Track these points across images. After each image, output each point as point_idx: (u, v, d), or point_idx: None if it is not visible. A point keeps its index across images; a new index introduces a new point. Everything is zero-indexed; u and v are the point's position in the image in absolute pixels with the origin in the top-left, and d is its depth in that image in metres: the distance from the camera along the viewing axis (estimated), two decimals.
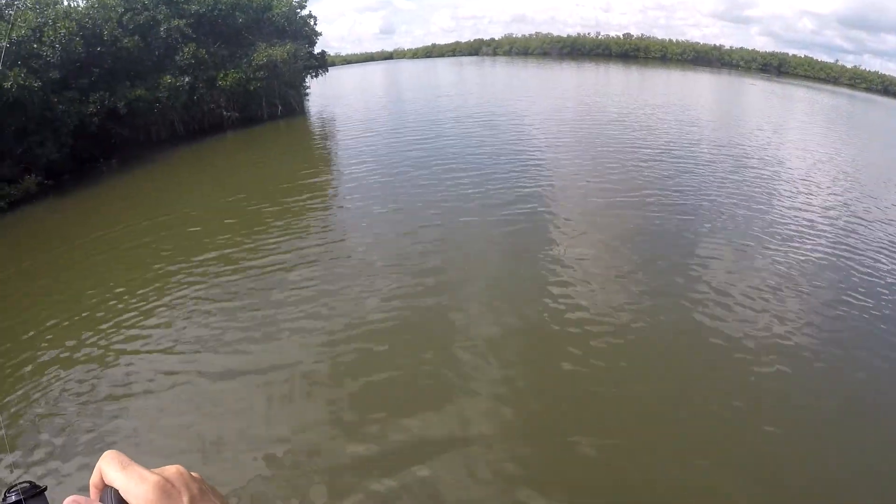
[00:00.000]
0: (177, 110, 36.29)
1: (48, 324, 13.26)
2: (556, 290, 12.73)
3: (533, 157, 24.53)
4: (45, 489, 0.99)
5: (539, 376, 9.85)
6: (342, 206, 20.41)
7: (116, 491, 0.84)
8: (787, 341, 10.92)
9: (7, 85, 24.01)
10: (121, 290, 14.57)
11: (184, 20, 36.10)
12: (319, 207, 20.33)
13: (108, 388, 10.46)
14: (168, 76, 34.83)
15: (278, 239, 16.92)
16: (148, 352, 11.61)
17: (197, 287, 14.33)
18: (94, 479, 0.88)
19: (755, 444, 8.19)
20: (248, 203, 21.07)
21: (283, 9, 43.71)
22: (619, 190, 19.83)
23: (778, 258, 14.65)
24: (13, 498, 0.96)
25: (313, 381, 10.06)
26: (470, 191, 20.00)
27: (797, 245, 15.62)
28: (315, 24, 48.40)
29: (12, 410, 10.10)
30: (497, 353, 10.40)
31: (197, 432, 9.03)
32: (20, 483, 0.98)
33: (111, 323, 12.94)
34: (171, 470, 0.87)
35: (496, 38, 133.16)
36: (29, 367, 11.57)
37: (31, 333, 12.98)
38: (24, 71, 24.83)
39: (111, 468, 0.85)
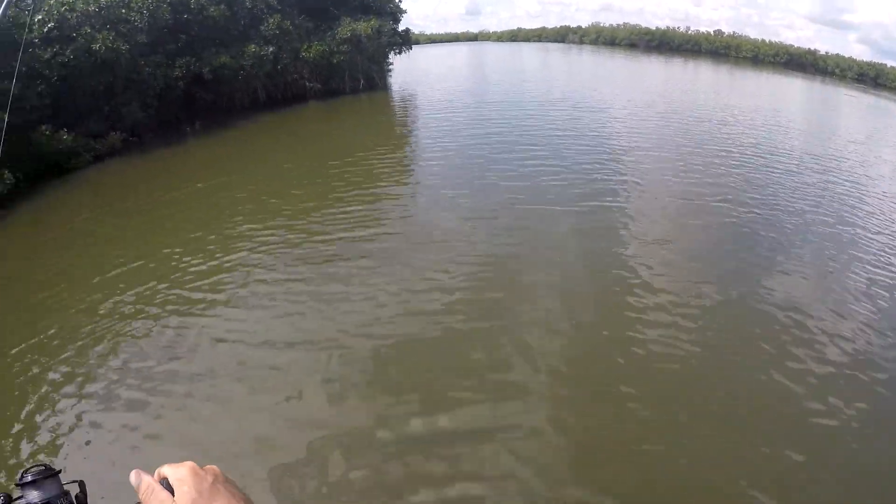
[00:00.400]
0: (260, 79, 37.28)
1: (111, 273, 13.89)
2: (625, 292, 11.78)
3: (614, 150, 22.97)
4: (60, 472, 1.08)
5: (598, 379, 9.21)
6: (415, 183, 20.19)
7: (166, 478, 1.07)
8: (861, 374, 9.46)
9: (96, 47, 25.09)
10: (185, 247, 15.02)
11: None
12: (393, 182, 20.06)
13: (158, 349, 10.54)
14: (253, 45, 35.74)
15: (348, 211, 16.72)
16: (200, 314, 11.70)
17: (259, 253, 14.39)
18: (154, 477, 1.10)
19: None
20: (322, 173, 21.35)
21: None
22: (701, 193, 18.08)
23: (871, 286, 12.70)
24: (29, 478, 1.04)
25: (363, 359, 9.73)
26: (547, 179, 18.97)
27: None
28: (400, 1, 48.26)
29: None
30: (557, 353, 9.70)
31: (241, 402, 8.97)
32: (35, 465, 1.06)
33: (170, 279, 13.29)
34: (191, 462, 1.12)
35: (583, 27, 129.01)
36: (84, 308, 12.19)
37: (97, 279, 13.72)
38: (113, 34, 25.83)
39: (164, 466, 1.11)
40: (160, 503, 1.04)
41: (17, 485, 1.07)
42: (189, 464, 1.09)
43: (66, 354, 10.66)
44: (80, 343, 11.01)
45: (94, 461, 7.96)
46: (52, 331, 11.48)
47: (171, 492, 1.06)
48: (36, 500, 1.03)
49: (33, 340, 11.26)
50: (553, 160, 21.04)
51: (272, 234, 15.37)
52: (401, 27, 50.63)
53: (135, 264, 14.26)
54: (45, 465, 1.07)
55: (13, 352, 10.95)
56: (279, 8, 37.72)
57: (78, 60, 25.18)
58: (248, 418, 8.51)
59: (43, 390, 9.71)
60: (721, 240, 14.81)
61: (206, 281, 13.05)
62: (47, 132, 23.54)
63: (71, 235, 17.71)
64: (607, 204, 16.81)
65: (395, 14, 48.60)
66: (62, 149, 23.93)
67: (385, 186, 19.25)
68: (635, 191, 18.07)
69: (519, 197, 17.29)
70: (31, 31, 24.48)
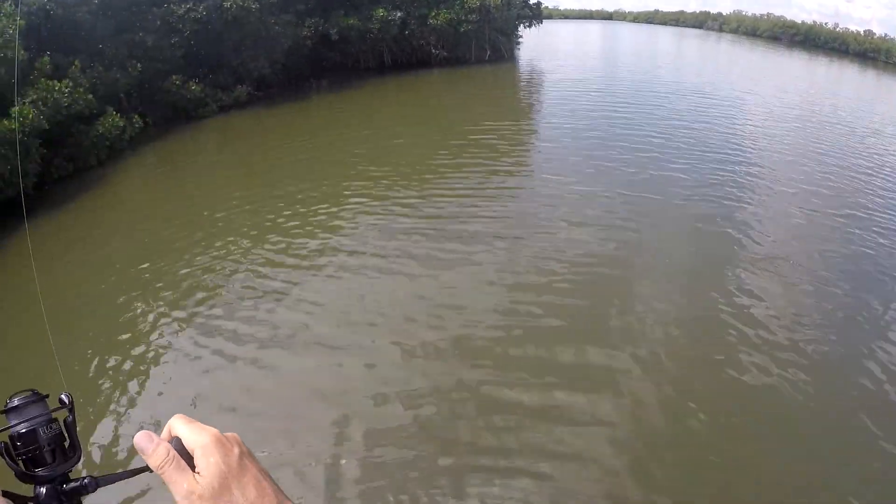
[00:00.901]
0: (387, 42, 36.97)
1: (219, 214, 14.32)
2: (728, 311, 9.74)
3: (744, 150, 19.19)
4: (47, 396, 1.01)
5: (701, 384, 8.09)
6: (533, 161, 18.58)
7: (179, 440, 0.92)
8: None
9: (227, 5, 25.20)
10: (298, 196, 15.01)
11: None
12: (510, 155, 18.57)
13: (235, 300, 10.30)
14: (381, 9, 35.16)
15: (457, 186, 15.45)
16: (296, 265, 11.47)
17: (369, 209, 13.96)
18: (163, 435, 0.94)
19: None
20: (438, 142, 20.18)
21: None
22: (836, 214, 14.12)
23: None
24: (16, 402, 0.98)
25: (464, 335, 9.05)
26: (667, 173, 16.31)
27: None
28: None
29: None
30: (645, 361, 8.48)
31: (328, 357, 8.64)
32: (22, 390, 1.00)
33: (268, 227, 13.27)
34: (214, 430, 0.94)
35: (724, 14, 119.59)
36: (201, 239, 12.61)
37: (205, 213, 14.45)
38: None
39: (178, 423, 0.94)
40: (182, 479, 0.88)
41: (2, 411, 0.98)
42: (212, 431, 0.93)
43: (146, 288, 10.84)
44: (167, 279, 11.15)
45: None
46: (145, 265, 11.79)
47: (188, 458, 0.91)
48: (22, 428, 0.95)
49: (131, 270, 11.65)
50: (676, 154, 18.14)
51: (377, 203, 14.42)
52: (532, 0, 48.76)
53: (245, 207, 14.69)
54: (31, 390, 0.99)
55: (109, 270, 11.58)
56: None
57: (210, 17, 25.57)
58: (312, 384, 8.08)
59: (120, 317, 9.91)
60: (850, 273, 11.34)
61: (312, 232, 12.86)
62: (178, 82, 24.02)
63: (192, 173, 18.83)
64: (728, 208, 14.02)
65: None
66: (191, 98, 24.57)
67: (499, 164, 17.50)
68: (761, 198, 14.91)
69: (635, 189, 15.01)
70: None
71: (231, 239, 12.61)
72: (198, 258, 11.82)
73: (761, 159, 18.00)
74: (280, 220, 13.54)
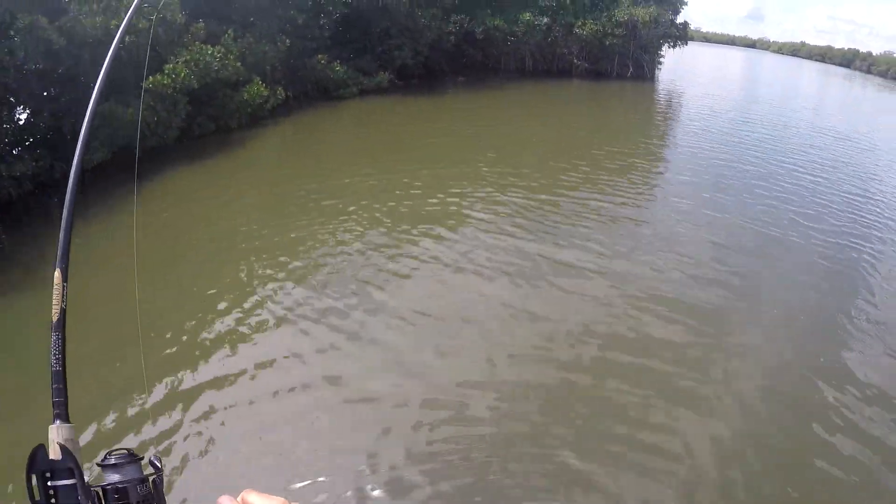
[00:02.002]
0: (530, 47, 35.77)
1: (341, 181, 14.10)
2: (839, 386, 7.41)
3: (883, 207, 15.64)
4: (142, 458, 1.07)
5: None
6: (658, 181, 16.58)
7: None
8: None
9: None
10: (415, 189, 13.92)
11: None
12: (636, 172, 16.74)
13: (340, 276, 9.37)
14: (528, 13, 34.23)
15: (578, 198, 13.86)
16: (386, 251, 10.47)
17: (479, 214, 12.55)
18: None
19: None
20: (567, 152, 18.63)
21: None
22: None
23: None
24: (113, 461, 1.04)
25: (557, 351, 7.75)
26: (793, 214, 13.81)
27: None
28: None
29: None
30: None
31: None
32: (118, 449, 1.06)
33: (387, 206, 12.54)
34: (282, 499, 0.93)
35: (873, 54, 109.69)
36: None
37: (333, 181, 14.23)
38: None
39: (250, 494, 0.92)
40: None
41: (98, 465, 1.06)
42: (281, 500, 0.91)
43: (260, 253, 10.17)
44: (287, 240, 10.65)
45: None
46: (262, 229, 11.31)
47: None
48: (118, 484, 1.03)
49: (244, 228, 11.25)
50: (808, 197, 15.42)
51: (495, 204, 13.04)
52: (679, 19, 46.43)
53: (366, 181, 14.25)
54: (127, 450, 1.06)
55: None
56: None
57: (360, 2, 25.30)
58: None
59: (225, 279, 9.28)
60: None
61: (410, 227, 11.63)
62: (322, 61, 23.84)
63: (324, 146, 18.26)
64: (853, 266, 11.36)
65: (676, 5, 44.39)
66: (334, 78, 24.30)
67: (628, 175, 16.00)
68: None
69: (758, 227, 12.81)
70: None
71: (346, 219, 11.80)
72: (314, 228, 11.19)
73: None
74: (390, 203, 12.64)
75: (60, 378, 1.12)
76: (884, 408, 6.98)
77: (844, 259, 11.53)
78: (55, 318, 1.14)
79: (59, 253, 1.20)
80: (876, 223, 13.83)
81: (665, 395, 6.85)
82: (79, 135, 1.36)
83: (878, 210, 14.98)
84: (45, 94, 14.42)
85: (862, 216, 14.22)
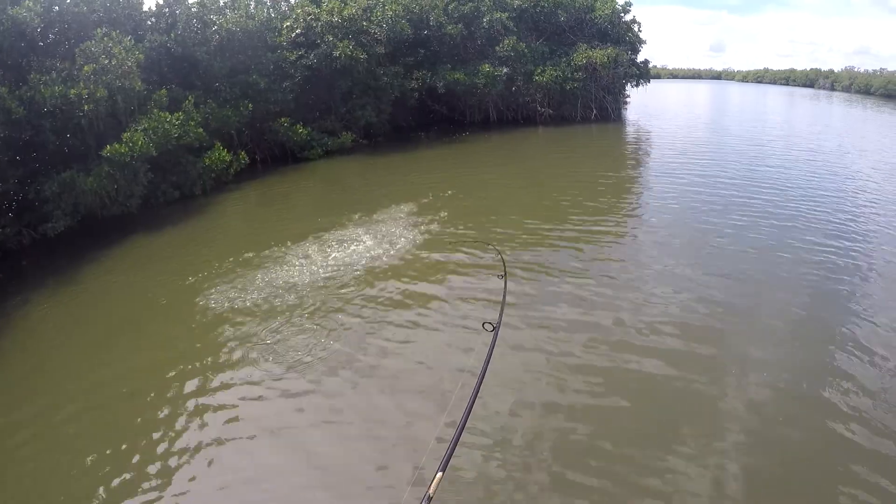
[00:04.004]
0: (493, 98, 36.36)
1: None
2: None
3: (864, 231, 14.33)
4: None
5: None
6: (635, 226, 15.14)
7: None
8: None
9: (336, 54, 25.57)
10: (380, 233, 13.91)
11: (506, 13, 36.44)
12: (609, 217, 15.58)
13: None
14: (487, 65, 35.01)
15: (555, 244, 13.13)
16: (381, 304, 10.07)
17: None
18: None
19: None
20: (538, 199, 18.23)
21: (606, 11, 41.23)
22: None
23: None
24: None
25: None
26: (780, 254, 12.41)
27: None
28: (639, 30, 44.75)
29: None
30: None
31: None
32: None
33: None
34: None
35: (835, 71, 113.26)
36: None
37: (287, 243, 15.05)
38: (353, 44, 26.39)
39: None
40: None
41: None
42: None
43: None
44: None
45: None
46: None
47: None
48: None
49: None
50: (793, 232, 13.97)
51: (469, 250, 12.64)
52: (640, 58, 47.32)
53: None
54: None
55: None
56: (515, 30, 36.90)
57: (320, 64, 25.96)
58: None
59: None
60: None
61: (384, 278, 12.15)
62: (285, 123, 24.18)
63: (282, 207, 18.33)
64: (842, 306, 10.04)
65: (634, 44, 44.88)
66: (297, 140, 24.53)
67: (602, 223, 14.96)
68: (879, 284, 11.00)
69: (742, 274, 11.42)
70: (279, 34, 25.80)
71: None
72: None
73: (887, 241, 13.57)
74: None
75: None
76: None
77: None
78: None
79: None
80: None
81: None
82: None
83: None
84: (8, 161, 14.50)
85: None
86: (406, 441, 6.54)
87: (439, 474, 3.18)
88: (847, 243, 12.94)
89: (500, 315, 5.59)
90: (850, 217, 15.18)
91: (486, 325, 5.06)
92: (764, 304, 9.92)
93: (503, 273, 7.34)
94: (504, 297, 6.33)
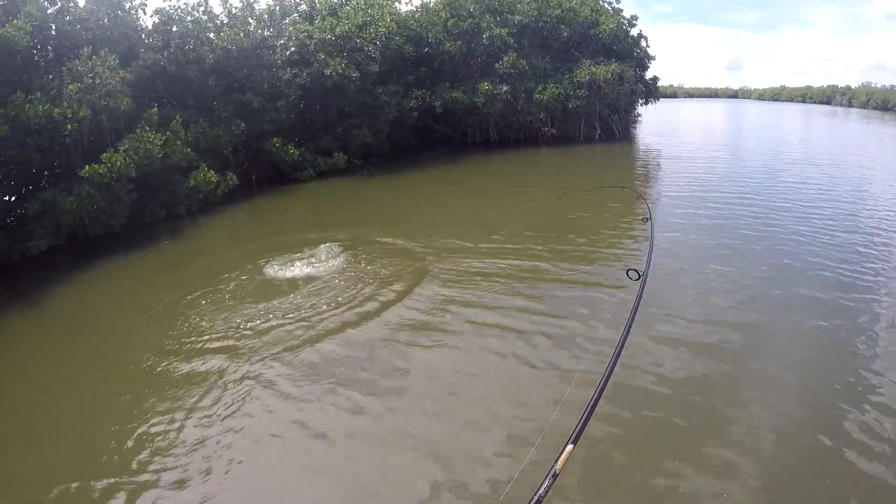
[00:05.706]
0: (493, 117, 36.12)
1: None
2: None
3: (881, 250, 13.47)
4: None
5: None
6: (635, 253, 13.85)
7: None
8: None
9: (327, 72, 25.49)
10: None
11: (507, 29, 35.95)
12: (613, 245, 14.58)
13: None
14: (486, 83, 34.78)
15: (553, 273, 12.34)
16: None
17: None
18: None
19: None
20: (538, 225, 16.97)
21: (611, 26, 40.55)
22: None
23: None
24: None
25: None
26: (795, 286, 11.20)
27: None
28: (647, 45, 43.89)
29: None
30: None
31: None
32: None
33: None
34: None
35: (851, 87, 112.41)
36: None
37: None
38: (345, 62, 26.28)
39: None
40: None
41: None
42: None
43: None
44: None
45: None
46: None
47: None
48: None
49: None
50: (812, 264, 12.54)
51: (461, 274, 12.15)
52: (648, 75, 46.03)
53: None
54: None
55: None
56: (516, 46, 36.47)
57: (314, 83, 25.89)
58: None
59: None
60: None
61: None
62: (277, 144, 24.15)
63: (267, 231, 17.89)
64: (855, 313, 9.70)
65: (642, 60, 43.85)
66: (289, 161, 24.45)
67: (608, 248, 14.18)
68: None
69: (762, 281, 11.35)
70: (274, 52, 25.82)
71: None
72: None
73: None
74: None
75: None
76: None
77: None
78: None
79: None
80: None
81: None
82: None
83: None
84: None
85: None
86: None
87: (569, 447, 2.81)
88: None
89: (647, 264, 5.37)
90: None
91: (630, 273, 4.70)
92: None
93: (648, 216, 7.24)
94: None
